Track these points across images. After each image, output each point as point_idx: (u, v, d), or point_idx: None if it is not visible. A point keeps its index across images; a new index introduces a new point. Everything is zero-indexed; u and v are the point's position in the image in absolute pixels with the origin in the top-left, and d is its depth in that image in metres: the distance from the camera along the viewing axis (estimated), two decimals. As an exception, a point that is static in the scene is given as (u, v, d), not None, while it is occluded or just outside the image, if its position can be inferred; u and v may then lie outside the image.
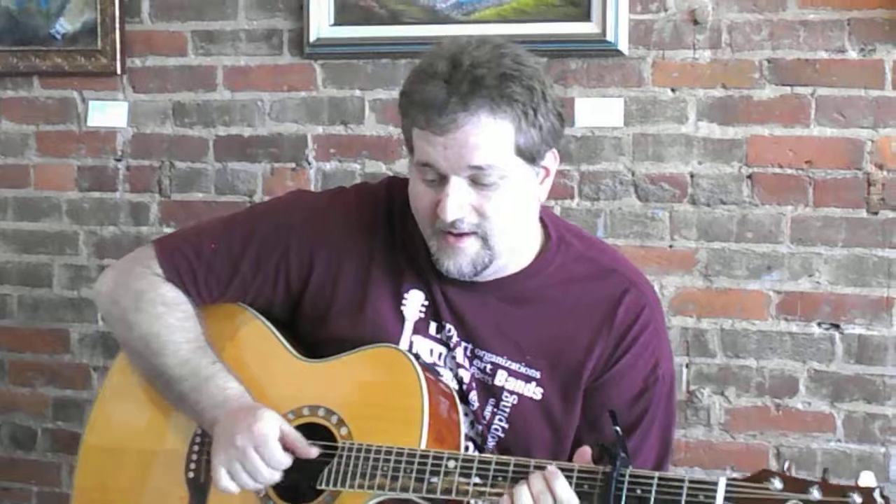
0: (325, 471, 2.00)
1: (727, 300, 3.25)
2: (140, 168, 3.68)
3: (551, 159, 2.06)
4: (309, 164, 3.52)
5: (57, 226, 3.77)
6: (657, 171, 3.26)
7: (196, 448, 2.17)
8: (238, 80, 3.58)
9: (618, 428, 1.83)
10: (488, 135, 1.94)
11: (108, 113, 3.68)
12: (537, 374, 2.10)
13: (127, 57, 3.64)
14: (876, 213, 3.14)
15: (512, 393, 2.10)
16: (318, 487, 2.01)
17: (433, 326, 2.13)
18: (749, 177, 3.21)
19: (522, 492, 1.85)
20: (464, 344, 2.11)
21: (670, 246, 3.28)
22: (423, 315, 2.12)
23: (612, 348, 2.10)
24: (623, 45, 3.23)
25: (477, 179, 1.96)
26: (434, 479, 1.92)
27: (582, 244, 2.17)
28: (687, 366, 3.27)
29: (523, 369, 2.10)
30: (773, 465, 3.23)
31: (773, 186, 3.20)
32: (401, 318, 2.12)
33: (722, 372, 3.26)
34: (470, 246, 2.01)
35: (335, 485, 1.99)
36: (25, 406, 3.85)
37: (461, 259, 2.01)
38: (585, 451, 1.91)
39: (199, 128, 3.62)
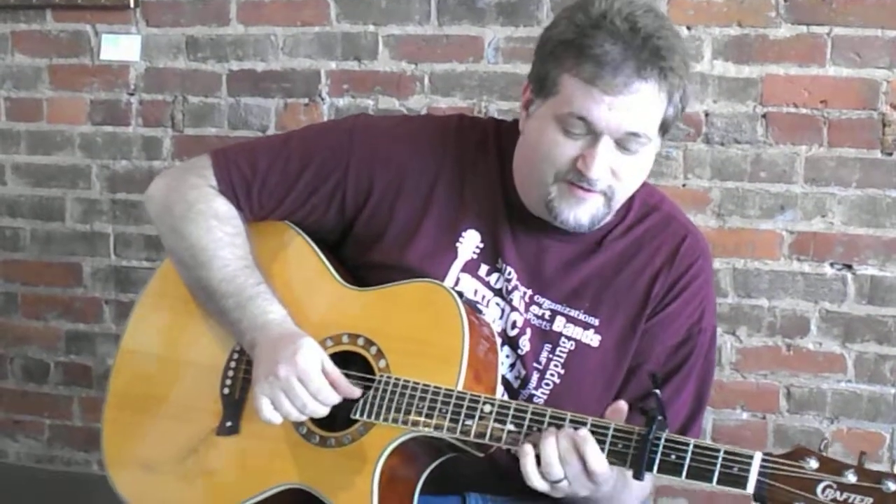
0: (361, 401, 2.00)
1: (740, 239, 3.25)
2: (153, 102, 3.67)
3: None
4: (322, 99, 3.51)
5: (70, 159, 3.77)
6: (671, 110, 3.25)
7: (233, 364, 2.16)
8: (251, 15, 3.56)
9: (657, 391, 1.82)
10: (651, 104, 1.94)
11: (121, 46, 3.67)
12: (595, 322, 2.10)
13: (140, -10, 3.63)
14: (890, 154, 3.13)
15: (570, 339, 2.10)
16: (352, 417, 2.00)
17: (484, 269, 2.12)
18: (764, 116, 3.20)
19: (549, 444, 1.84)
20: (523, 289, 2.11)
21: (683, 185, 3.27)
22: (475, 256, 2.12)
23: (665, 290, 2.11)
24: (639, -18, 3.20)
25: (624, 144, 1.95)
26: (469, 422, 1.91)
27: (644, 192, 2.17)
28: (698, 305, 3.27)
29: (582, 316, 2.11)
30: (783, 404, 3.25)
31: (787, 126, 3.18)
32: (453, 254, 2.12)
33: (733, 311, 3.27)
34: (595, 201, 2.00)
35: (370, 416, 1.98)
36: (38, 339, 3.87)
37: (582, 211, 2.01)
38: (621, 406, 1.89)
39: (213, 62, 3.60)
